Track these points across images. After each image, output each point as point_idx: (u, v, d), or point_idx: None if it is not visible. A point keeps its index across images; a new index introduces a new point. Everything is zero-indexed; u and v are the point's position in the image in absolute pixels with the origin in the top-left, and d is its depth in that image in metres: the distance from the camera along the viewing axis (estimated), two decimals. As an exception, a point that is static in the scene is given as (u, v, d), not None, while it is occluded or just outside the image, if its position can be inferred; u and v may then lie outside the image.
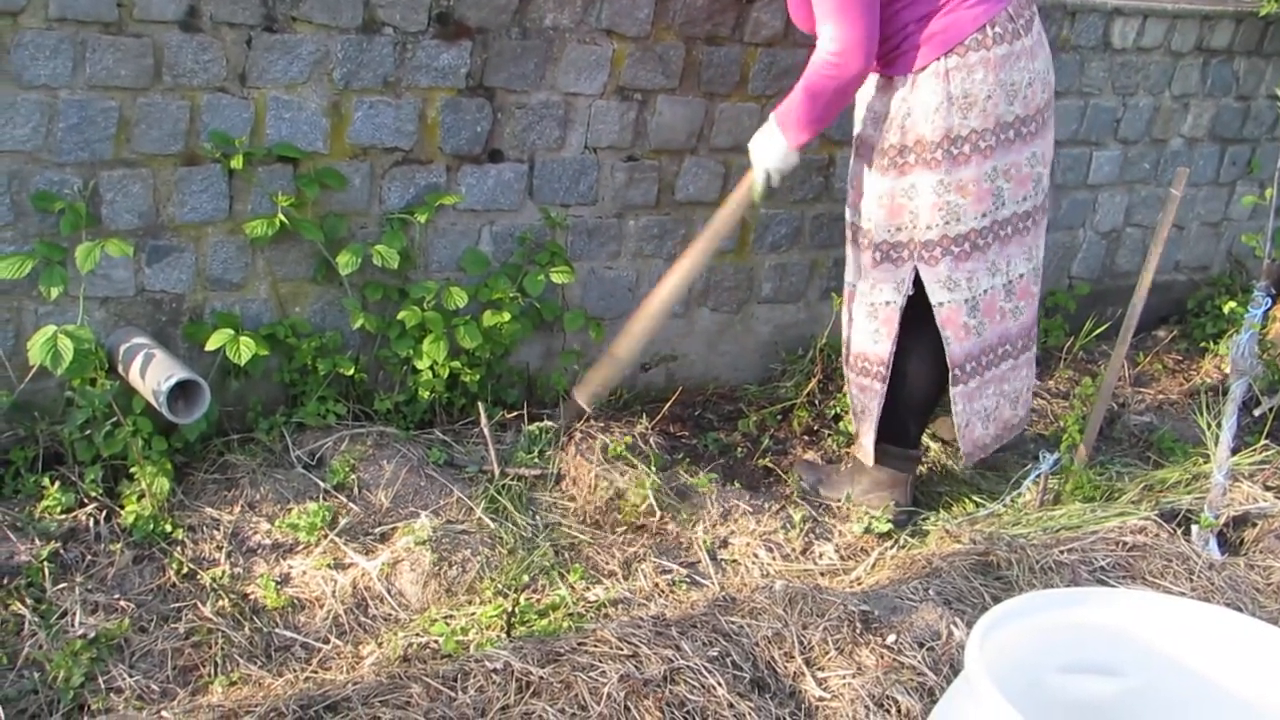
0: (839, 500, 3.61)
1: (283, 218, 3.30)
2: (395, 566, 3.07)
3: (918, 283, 3.34)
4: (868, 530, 3.48)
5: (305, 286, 3.50)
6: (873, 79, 3.32)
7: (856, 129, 3.40)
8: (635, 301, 3.95)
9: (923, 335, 3.39)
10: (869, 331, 3.47)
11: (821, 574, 3.24)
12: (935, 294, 3.32)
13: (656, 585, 3.17)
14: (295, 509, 3.18)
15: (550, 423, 3.63)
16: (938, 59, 3.15)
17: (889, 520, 3.50)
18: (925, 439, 3.84)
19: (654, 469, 3.55)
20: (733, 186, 3.93)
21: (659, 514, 3.43)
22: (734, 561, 3.31)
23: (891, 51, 3.20)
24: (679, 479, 3.58)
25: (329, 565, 3.06)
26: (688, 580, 3.20)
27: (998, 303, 3.38)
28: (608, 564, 3.23)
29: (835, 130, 4.05)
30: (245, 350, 3.25)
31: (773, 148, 3.33)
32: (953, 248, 3.28)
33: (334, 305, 3.54)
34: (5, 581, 2.81)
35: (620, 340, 3.51)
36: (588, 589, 3.12)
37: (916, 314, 3.38)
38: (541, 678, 2.45)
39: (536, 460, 3.52)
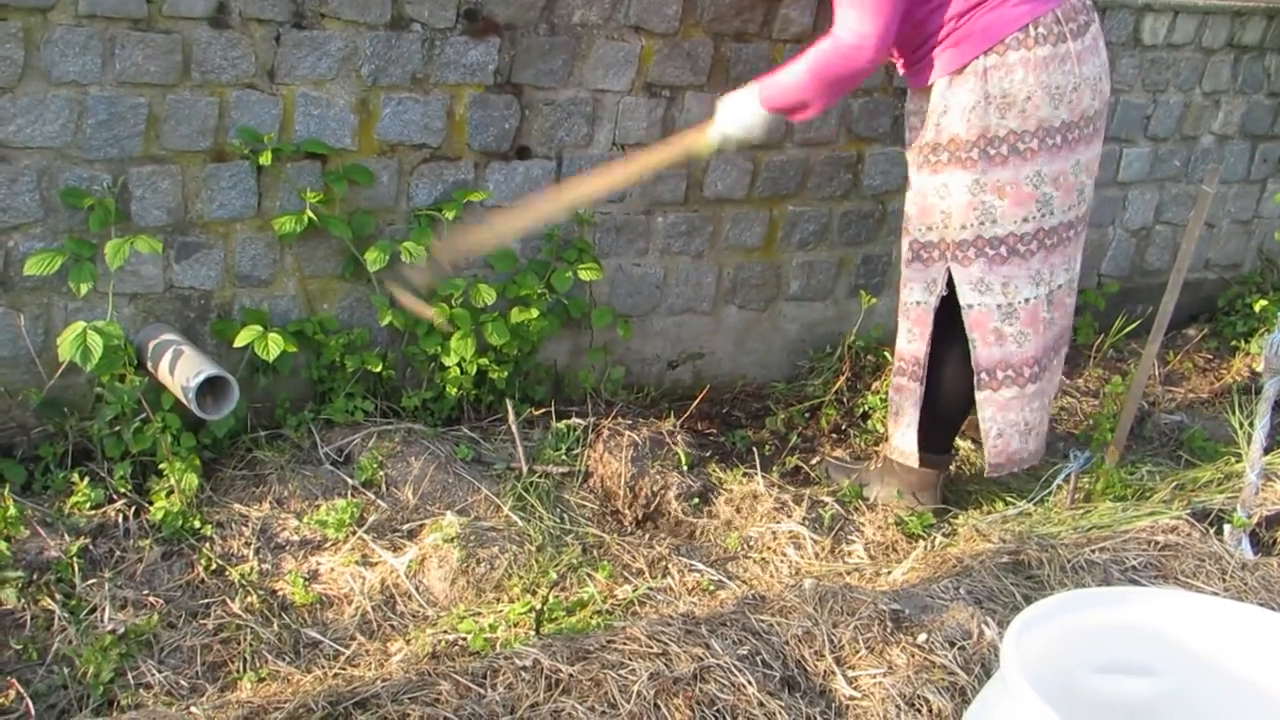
0: (873, 499, 3.60)
1: (311, 214, 3.30)
2: (423, 564, 3.07)
3: (951, 284, 3.31)
4: (899, 530, 3.46)
5: (333, 283, 3.49)
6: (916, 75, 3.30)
7: (907, 124, 3.37)
8: (663, 299, 3.98)
9: (958, 338, 3.37)
10: (903, 330, 3.46)
11: (851, 572, 3.22)
12: (965, 295, 3.30)
13: (685, 583, 3.16)
14: (323, 505, 3.18)
15: (580, 420, 3.63)
16: (976, 57, 3.13)
17: (918, 519, 3.48)
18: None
19: (683, 466, 3.54)
20: (761, 184, 3.97)
21: (688, 512, 3.42)
22: (763, 560, 3.29)
23: (931, 49, 3.18)
24: (707, 477, 3.57)
25: (357, 562, 3.06)
26: (716, 578, 3.19)
27: (1040, 313, 3.34)
28: (635, 562, 3.21)
29: (864, 127, 4.04)
30: (273, 347, 3.25)
31: (742, 114, 3.26)
32: (987, 249, 3.25)
33: (362, 302, 3.54)
34: (35, 577, 2.82)
35: (508, 214, 3.48)
36: (616, 587, 3.11)
37: (953, 316, 3.35)
38: (571, 675, 2.45)
39: (564, 458, 3.52)
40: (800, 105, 3.20)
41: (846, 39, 3.07)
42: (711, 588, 3.15)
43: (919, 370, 3.43)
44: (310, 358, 3.49)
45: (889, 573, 3.22)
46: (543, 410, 3.69)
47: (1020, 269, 3.28)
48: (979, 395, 3.39)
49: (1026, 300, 3.31)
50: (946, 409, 3.51)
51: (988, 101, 3.14)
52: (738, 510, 3.48)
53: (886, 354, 4.04)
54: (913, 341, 3.42)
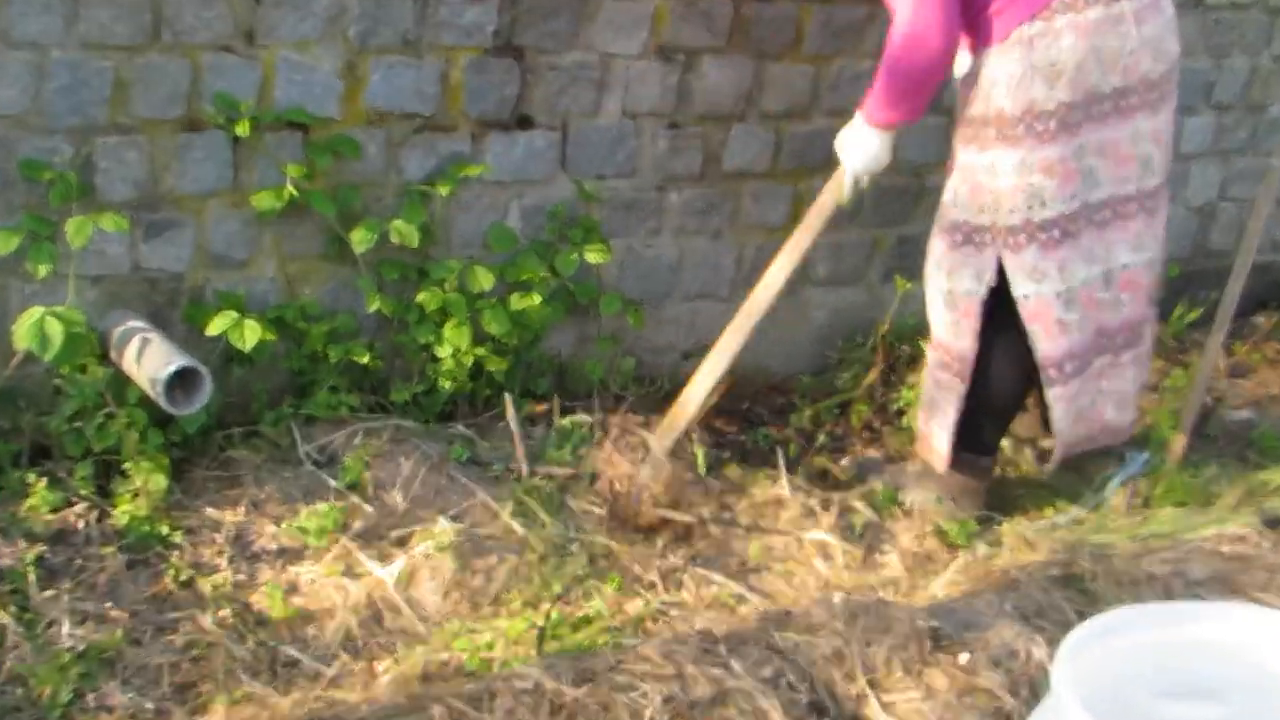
0: (910, 505, 3.59)
1: (292, 189, 3.30)
2: (413, 575, 3.06)
3: (1001, 273, 3.29)
4: (939, 539, 3.46)
5: (316, 265, 3.49)
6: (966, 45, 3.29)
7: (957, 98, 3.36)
8: (678, 283, 3.98)
9: (1007, 331, 3.34)
10: (947, 322, 3.43)
11: (885, 586, 3.22)
12: (1020, 284, 3.27)
13: (702, 597, 3.16)
14: (304, 510, 3.18)
15: (586, 416, 3.63)
16: (1021, 24, 3.11)
17: (959, 527, 3.47)
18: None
19: (700, 468, 3.53)
20: (785, 157, 3.96)
21: (705, 518, 3.42)
22: (788, 571, 3.29)
23: (976, 17, 3.16)
24: (726, 479, 3.57)
25: (340, 573, 3.04)
26: (737, 592, 3.18)
27: (1095, 294, 3.32)
28: (647, 574, 3.21)
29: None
30: (250, 335, 3.24)
31: (861, 144, 3.32)
32: (1039, 234, 3.23)
33: (347, 286, 3.53)
34: (-13, 588, 2.82)
35: (692, 386, 3.53)
36: (626, 601, 3.10)
37: (1001, 307, 3.33)
38: (576, 699, 2.44)
39: (569, 459, 3.51)
40: (894, 102, 3.22)
41: (903, 34, 3.11)
42: (731, 602, 3.14)
43: (964, 366, 3.41)
44: (290, 347, 3.48)
45: (927, 586, 3.20)
46: (545, 406, 3.69)
47: (1073, 250, 3.26)
48: (1049, 393, 3.38)
49: (1083, 282, 3.29)
50: (994, 407, 3.50)
51: (1033, 72, 3.12)
52: (760, 516, 3.47)
53: (924, 344, 4.02)
54: (960, 336, 3.40)
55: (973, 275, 3.33)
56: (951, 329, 3.42)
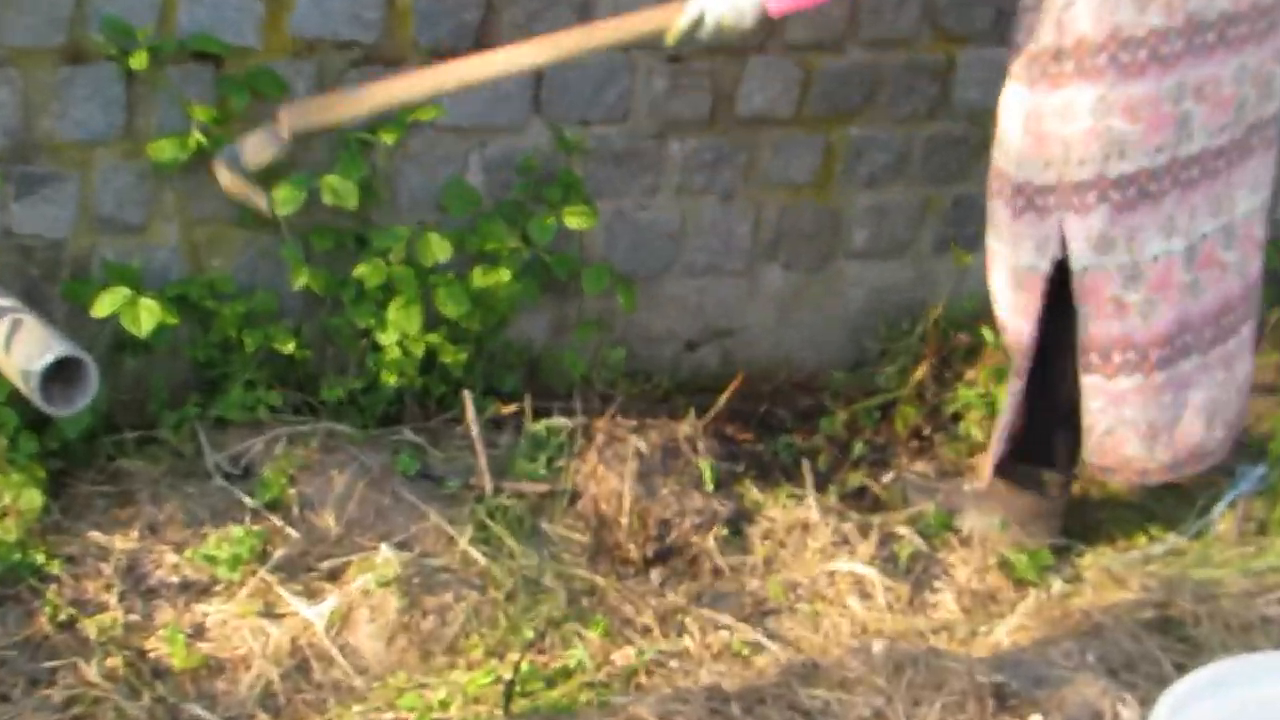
0: (968, 531, 3.60)
1: (200, 137, 3.30)
2: (349, 616, 3.06)
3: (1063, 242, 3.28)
4: (1003, 573, 3.47)
5: (229, 231, 3.49)
6: None
7: (1018, 23, 3.33)
8: (680, 255, 3.97)
9: (1074, 312, 3.34)
10: (1009, 301, 3.43)
11: (937, 631, 3.22)
12: (1080, 255, 3.25)
13: (709, 645, 3.15)
14: (213, 535, 3.18)
15: (565, 420, 3.63)
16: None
17: (1029, 558, 3.48)
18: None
19: (706, 485, 3.53)
20: (814, 99, 3.95)
21: (713, 547, 3.42)
22: (816, 613, 3.29)
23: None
24: (739, 499, 3.58)
25: (258, 613, 3.04)
26: (752, 639, 3.18)
27: (1174, 275, 3.30)
28: (641, 615, 3.21)
29: (956, 21, 4.02)
30: (146, 317, 3.24)
31: None
32: (1112, 193, 3.21)
33: (268, 257, 3.53)
34: None
35: (384, 83, 3.37)
36: (614, 649, 3.10)
37: (1065, 284, 3.33)
38: (551, 770, 2.44)
39: (543, 472, 3.51)
40: None
41: None
42: (745, 651, 3.14)
43: (1021, 356, 3.40)
44: (196, 332, 3.48)
45: (989, 632, 3.21)
46: (514, 407, 3.69)
47: (1149, 216, 3.25)
48: (1085, 380, 3.37)
49: (1155, 258, 3.28)
50: (1066, 410, 3.48)
51: (1122, -14, 3.11)
52: (781, 545, 3.47)
53: (985, 331, 4.03)
54: (1018, 316, 3.39)
55: (1034, 247, 3.31)
56: (1011, 309, 3.42)
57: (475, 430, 3.51)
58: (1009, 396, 3.46)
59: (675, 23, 3.23)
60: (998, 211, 3.38)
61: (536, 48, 3.31)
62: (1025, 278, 3.35)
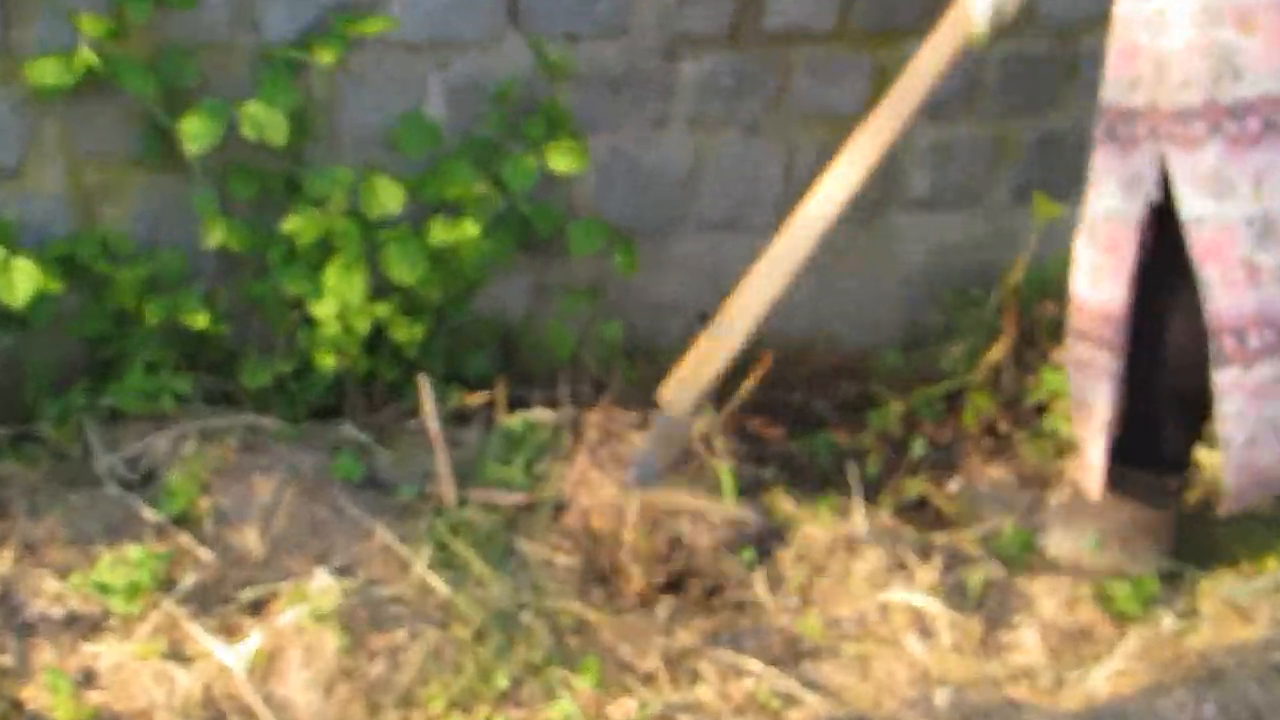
0: (1055, 552, 3.59)
1: (89, 55, 3.30)
2: (276, 658, 3.03)
3: (1167, 185, 3.26)
4: (1099, 606, 3.44)
5: (127, 174, 3.50)
6: None
7: None
8: (693, 204, 3.99)
9: (1182, 277, 3.31)
10: (1084, 264, 3.42)
11: (1016, 678, 3.21)
12: (1191, 203, 3.23)
13: (728, 694, 3.14)
14: (105, 557, 3.16)
15: (548, 412, 3.63)
16: None
17: (1132, 587, 3.45)
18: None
19: (726, 493, 3.52)
20: (861, 9, 3.96)
21: (735, 573, 3.41)
22: (863, 655, 3.28)
23: None
24: (768, 510, 3.56)
25: (163, 655, 3.02)
26: (783, 688, 3.16)
27: None
28: (643, 659, 3.19)
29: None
30: (22, 282, 3.25)
31: None
32: (1226, 123, 3.19)
33: (175, 207, 3.54)
34: None
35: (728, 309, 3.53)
36: (609, 701, 3.08)
37: (1172, 239, 3.31)
38: None
39: (521, 478, 3.51)
40: None
41: None
42: (775, 704, 3.13)
43: (1114, 332, 3.38)
44: (85, 302, 3.48)
45: (1082, 679, 3.20)
46: (484, 396, 3.71)
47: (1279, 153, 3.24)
48: (1216, 375, 3.34)
49: None
50: (1176, 397, 3.47)
51: None
52: (821, 571, 3.46)
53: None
54: (1101, 283, 3.37)
55: (1120, 187, 3.30)
56: (1090, 274, 3.40)
57: (434, 425, 3.51)
58: (1105, 383, 3.44)
59: (971, 25, 3.44)
60: (1094, 148, 3.38)
61: (855, 162, 3.53)
62: (1108, 225, 3.33)
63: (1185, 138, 3.22)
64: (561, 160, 3.68)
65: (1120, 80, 3.28)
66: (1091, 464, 3.51)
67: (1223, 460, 3.41)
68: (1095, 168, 3.37)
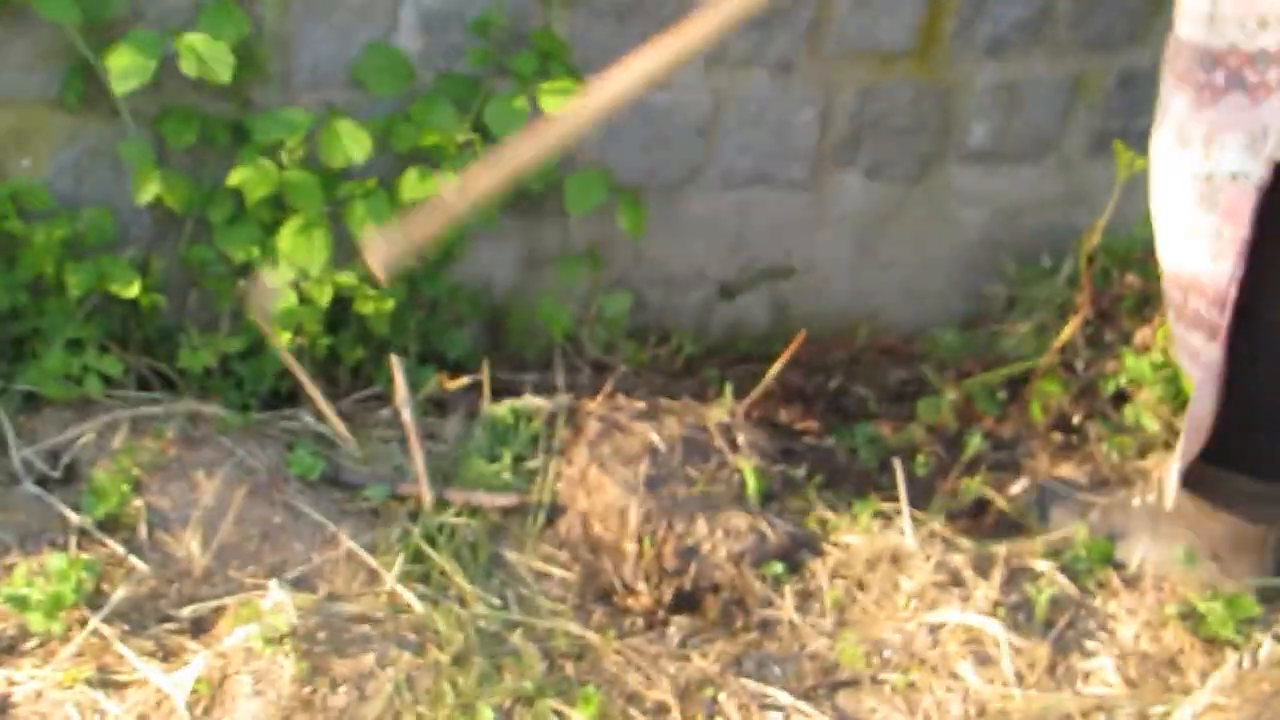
0: (1136, 565, 3.60)
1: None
2: (223, 687, 3.04)
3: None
4: (1187, 629, 3.45)
5: (42, 117, 3.51)
6: None
7: None
8: (713, 156, 4.01)
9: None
10: (1193, 232, 3.43)
11: (1090, 713, 3.22)
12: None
13: (759, 724, 3.17)
14: (21, 566, 3.17)
15: (541, 400, 3.64)
16: None
17: (1226, 607, 3.46)
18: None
19: (749, 496, 3.54)
20: None
21: (760, 589, 3.43)
22: (910, 685, 3.29)
23: None
24: (800, 517, 3.58)
25: (89, 681, 3.03)
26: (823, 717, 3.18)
27: None
28: (652, 688, 3.20)
29: None
30: (-80, 245, 3.26)
31: None
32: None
33: (100, 156, 3.56)
34: None
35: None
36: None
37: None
38: None
39: (509, 476, 3.53)
40: None
41: None
42: (811, 740, 3.15)
43: (1221, 311, 3.39)
44: (-3, 269, 3.50)
45: (1168, 714, 3.21)
46: (467, 380, 3.72)
47: None
48: None
49: None
50: (1277, 393, 3.50)
51: None
52: (861, 587, 3.48)
53: (1165, 271, 4.05)
54: (1218, 257, 3.38)
55: (1244, 144, 3.30)
56: (1198, 246, 3.41)
57: (408, 414, 3.52)
58: (1200, 372, 3.46)
59: None
60: (1177, 101, 3.38)
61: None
62: (1227, 192, 3.34)
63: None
64: (556, 101, 3.65)
65: (1245, 20, 3.27)
66: (1173, 468, 3.53)
67: None
68: (1209, 125, 3.33)
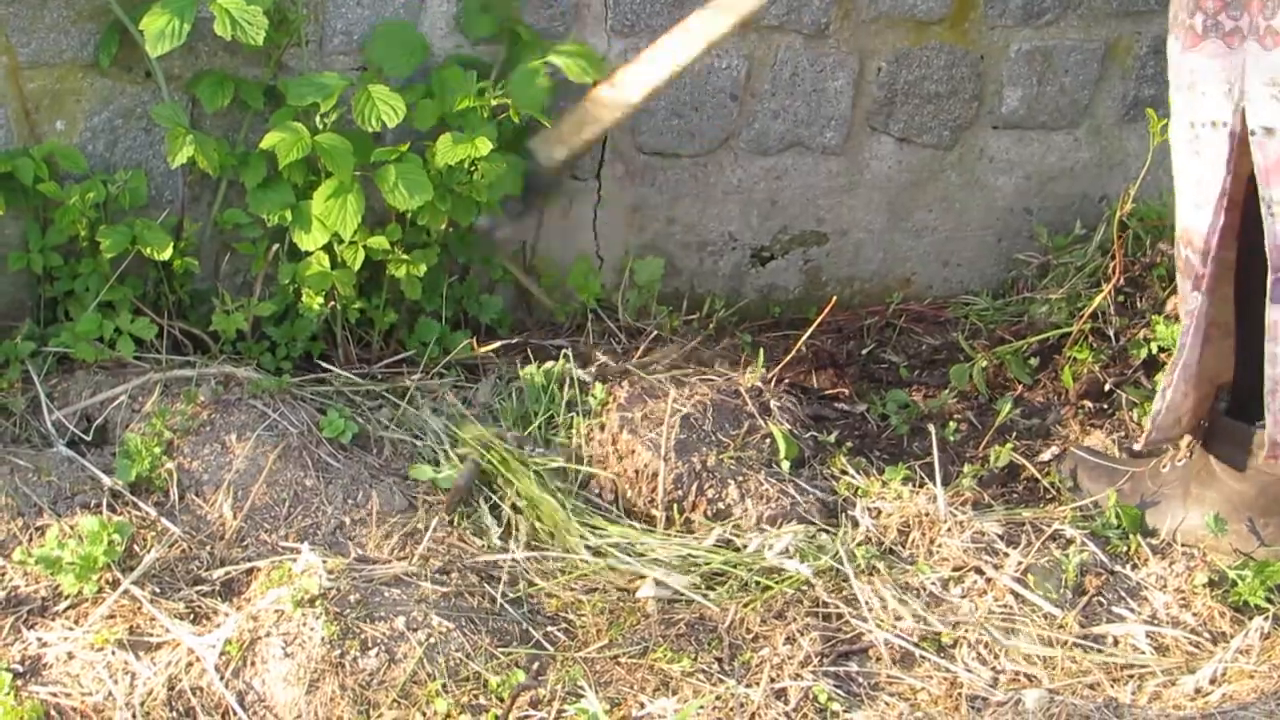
0: (1167, 531, 3.59)
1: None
2: (253, 649, 3.03)
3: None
4: (1215, 595, 3.44)
5: (76, 80, 3.50)
6: None
7: None
8: (745, 121, 4.00)
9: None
10: (1183, 176, 3.43)
11: (1119, 679, 3.21)
12: (1259, 107, 3.24)
13: (782, 695, 3.14)
14: (53, 528, 3.16)
15: (572, 365, 3.62)
16: None
17: (1257, 573, 3.45)
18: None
19: (782, 461, 3.54)
20: None
21: (791, 553, 3.40)
22: (946, 646, 3.28)
23: None
24: (831, 483, 3.58)
25: (120, 642, 3.02)
26: (842, 686, 3.17)
27: None
28: (687, 650, 3.20)
29: None
30: (-47, 207, 3.26)
31: None
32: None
33: (134, 119, 3.55)
34: None
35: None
36: (647, 701, 3.09)
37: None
38: None
39: (541, 438, 3.53)
40: None
41: None
42: (835, 706, 3.13)
43: (1201, 261, 3.38)
44: (29, 229, 3.50)
45: (1195, 679, 3.20)
46: (497, 345, 3.72)
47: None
48: (1272, 315, 3.35)
49: None
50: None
51: None
52: (890, 552, 3.46)
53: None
54: (1203, 206, 3.38)
55: (1221, 92, 3.31)
56: (1188, 195, 3.40)
57: (440, 380, 3.52)
58: (1186, 319, 3.44)
59: None
60: (1171, 48, 3.37)
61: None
62: (1208, 139, 3.34)
63: (1269, 31, 3.24)
64: (575, 66, 3.64)
65: None
66: (1154, 410, 3.53)
67: (1267, 404, 3.43)
68: (1192, 71, 3.35)
